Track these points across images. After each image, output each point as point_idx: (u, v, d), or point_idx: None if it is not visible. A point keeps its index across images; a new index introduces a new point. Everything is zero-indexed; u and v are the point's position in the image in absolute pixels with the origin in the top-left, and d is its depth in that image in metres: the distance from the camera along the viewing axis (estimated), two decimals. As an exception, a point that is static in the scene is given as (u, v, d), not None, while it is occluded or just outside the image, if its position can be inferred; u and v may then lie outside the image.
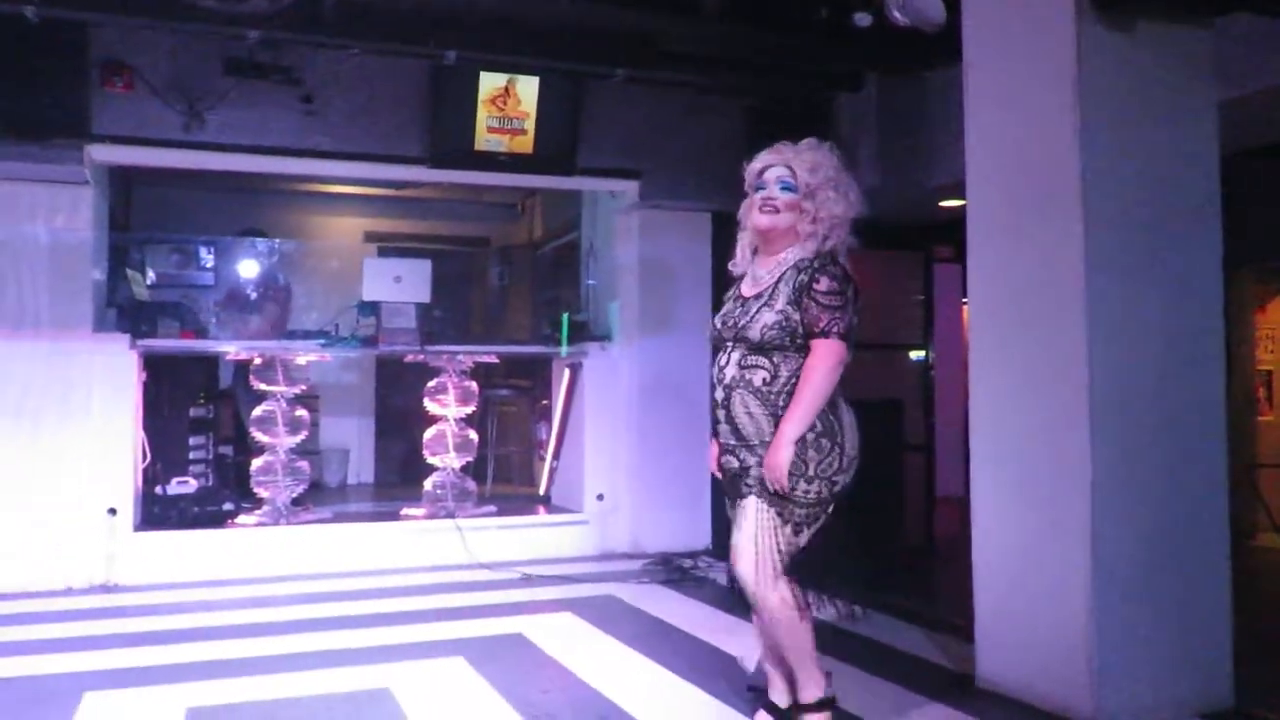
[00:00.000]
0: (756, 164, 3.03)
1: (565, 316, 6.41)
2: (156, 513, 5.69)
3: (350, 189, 8.68)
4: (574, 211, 7.54)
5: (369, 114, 5.73)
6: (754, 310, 2.91)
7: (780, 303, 2.87)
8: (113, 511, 5.32)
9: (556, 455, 6.91)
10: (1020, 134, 3.58)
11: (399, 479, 8.34)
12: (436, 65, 5.50)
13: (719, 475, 3.08)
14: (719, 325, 3.03)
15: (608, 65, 5.62)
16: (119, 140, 5.30)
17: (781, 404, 2.85)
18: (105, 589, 5.22)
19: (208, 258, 8.10)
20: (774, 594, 2.85)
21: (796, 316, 2.84)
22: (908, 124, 5.72)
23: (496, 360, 6.75)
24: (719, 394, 2.96)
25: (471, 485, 6.33)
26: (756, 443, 2.88)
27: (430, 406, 6.27)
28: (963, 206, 3.87)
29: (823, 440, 2.84)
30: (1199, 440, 3.46)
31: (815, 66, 5.83)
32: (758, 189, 3.00)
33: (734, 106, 6.24)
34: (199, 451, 6.45)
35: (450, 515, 6.00)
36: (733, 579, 2.96)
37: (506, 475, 7.86)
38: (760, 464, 2.86)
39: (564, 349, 6.35)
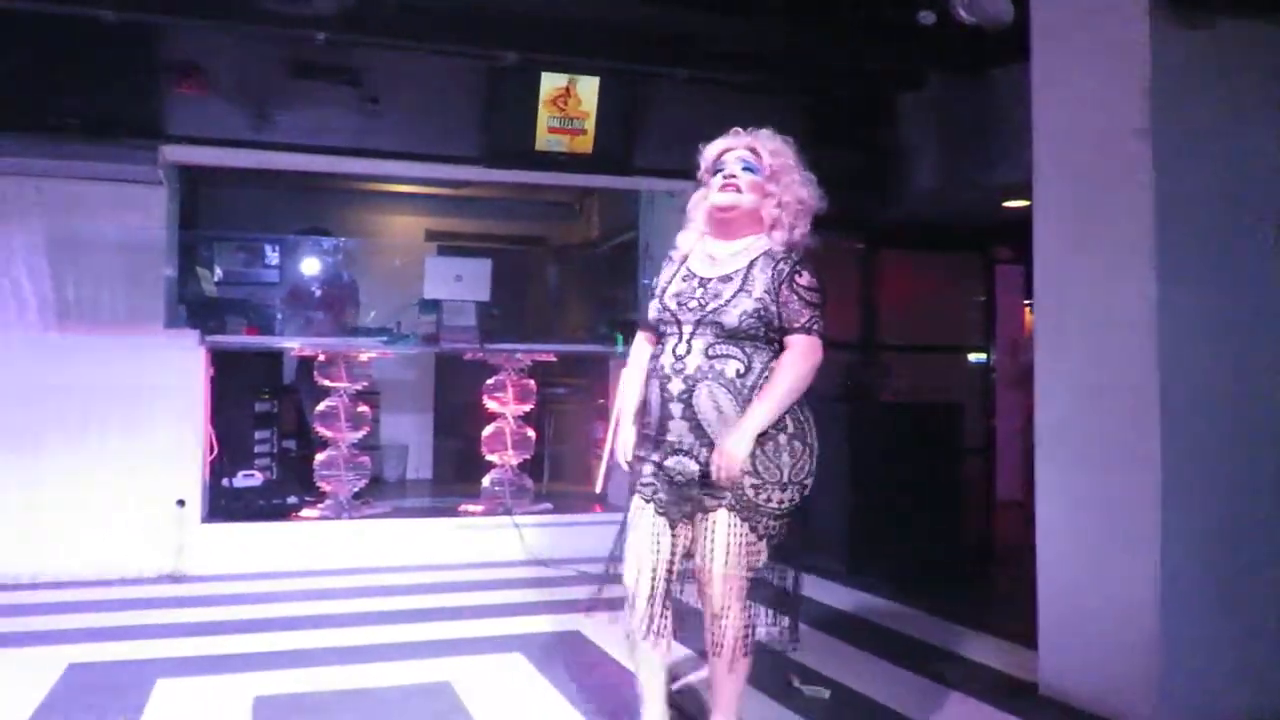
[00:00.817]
0: (713, 149, 2.78)
1: (622, 316, 6.43)
2: (223, 505, 5.81)
3: (412, 188, 8.77)
4: (631, 211, 7.55)
5: (430, 114, 5.82)
6: (727, 294, 2.64)
7: (758, 290, 2.62)
8: (181, 503, 5.45)
9: (613, 454, 6.93)
10: (1089, 134, 3.52)
11: (456, 475, 8.42)
12: (497, 66, 5.56)
13: (627, 468, 2.85)
14: (673, 305, 2.71)
15: (668, 65, 5.63)
16: (191, 140, 5.47)
17: (751, 399, 2.60)
18: (174, 579, 5.36)
19: (273, 255, 8.26)
20: (740, 621, 2.63)
21: (774, 308, 2.62)
22: (970, 123, 5.64)
23: (554, 359, 6.79)
24: (675, 385, 2.64)
25: (528, 482, 6.39)
26: None
27: (489, 404, 6.34)
28: (1026, 207, 3.82)
29: (795, 443, 2.63)
30: (1272, 447, 3.37)
31: (876, 65, 5.78)
32: (716, 171, 2.75)
33: (793, 105, 6.19)
34: (263, 445, 6.57)
35: (508, 512, 6.05)
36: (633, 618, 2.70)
37: (562, 473, 7.90)
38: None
39: (620, 348, 6.37)
